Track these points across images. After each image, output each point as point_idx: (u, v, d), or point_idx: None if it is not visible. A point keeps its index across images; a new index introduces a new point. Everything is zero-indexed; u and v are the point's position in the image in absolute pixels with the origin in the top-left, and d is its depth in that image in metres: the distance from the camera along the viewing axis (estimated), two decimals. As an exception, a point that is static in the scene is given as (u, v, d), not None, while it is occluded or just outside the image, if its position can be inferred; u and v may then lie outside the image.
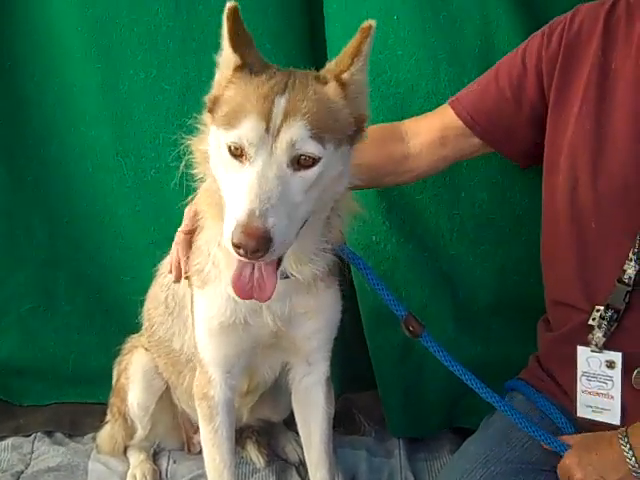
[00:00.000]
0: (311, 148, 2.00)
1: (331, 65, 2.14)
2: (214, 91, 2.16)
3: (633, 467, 2.25)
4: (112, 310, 3.43)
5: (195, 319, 2.48)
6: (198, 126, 2.24)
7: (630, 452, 2.26)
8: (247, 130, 1.98)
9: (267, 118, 1.98)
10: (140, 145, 3.18)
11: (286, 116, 1.98)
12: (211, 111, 2.14)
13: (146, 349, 2.98)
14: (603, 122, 2.36)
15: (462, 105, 2.62)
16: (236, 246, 1.91)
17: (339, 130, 2.09)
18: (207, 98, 2.17)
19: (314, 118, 2.01)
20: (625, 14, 2.38)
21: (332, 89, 2.09)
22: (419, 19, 2.84)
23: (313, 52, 3.06)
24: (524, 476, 2.43)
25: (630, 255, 2.33)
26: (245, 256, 1.92)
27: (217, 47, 2.97)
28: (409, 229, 3.05)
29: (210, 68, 3.00)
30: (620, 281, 2.35)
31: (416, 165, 2.72)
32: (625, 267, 2.34)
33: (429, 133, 2.69)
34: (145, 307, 2.91)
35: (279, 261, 2.07)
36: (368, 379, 3.33)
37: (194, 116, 2.25)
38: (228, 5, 2.03)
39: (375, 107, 2.83)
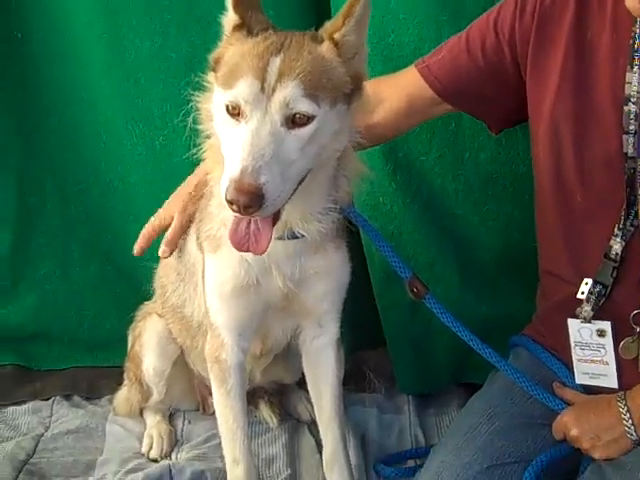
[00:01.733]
0: (305, 107, 2.02)
1: (327, 25, 2.16)
2: (217, 51, 2.20)
3: (628, 429, 2.29)
4: (125, 275, 3.48)
5: (206, 284, 2.50)
6: (204, 84, 2.27)
7: (627, 414, 2.30)
8: (243, 89, 2.01)
9: (262, 77, 2.01)
10: (148, 113, 3.20)
11: (280, 76, 2.01)
12: (214, 70, 2.18)
13: (159, 315, 3.02)
14: (583, 94, 2.36)
15: (434, 75, 2.59)
16: (229, 202, 1.95)
17: (334, 89, 2.10)
18: (211, 57, 2.22)
19: (308, 77, 2.03)
20: None
21: (326, 48, 2.11)
22: (421, -19, 2.84)
23: (318, 18, 3.08)
24: (528, 430, 2.48)
25: (616, 230, 2.34)
26: (239, 212, 1.96)
27: (221, 14, 3.01)
28: (415, 190, 3.08)
29: (215, 35, 3.04)
30: (607, 257, 2.36)
31: (380, 133, 2.70)
32: (611, 243, 2.35)
33: (395, 101, 2.67)
34: (157, 274, 2.95)
35: (276, 216, 2.09)
36: (378, 337, 3.38)
37: (200, 75, 2.28)
38: None
39: (379, 70, 2.84)
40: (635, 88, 2.25)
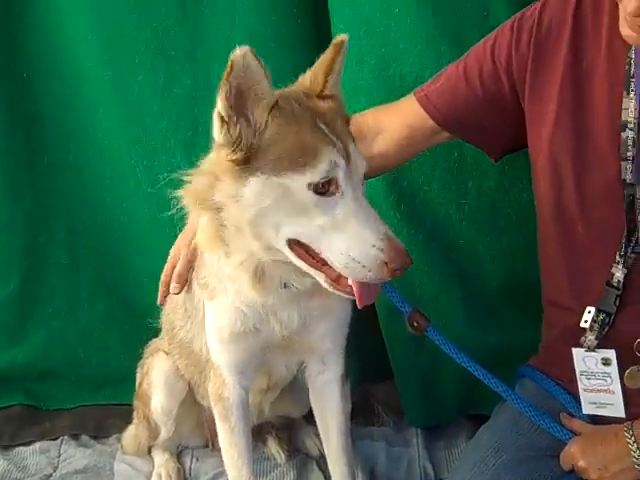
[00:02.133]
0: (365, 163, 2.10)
1: (304, 81, 2.16)
2: (245, 140, 1.99)
3: (637, 460, 2.25)
4: (133, 312, 3.47)
5: (207, 327, 2.51)
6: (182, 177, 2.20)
7: (634, 445, 2.26)
8: (334, 158, 1.98)
9: (333, 143, 2.00)
10: (152, 150, 3.21)
11: (340, 138, 2.02)
12: (247, 161, 2.00)
13: (166, 353, 2.99)
14: (581, 125, 2.34)
15: (433, 104, 2.57)
16: (396, 270, 1.96)
17: None
18: (230, 150, 2.01)
19: (350, 132, 2.10)
20: (592, 8, 2.33)
21: (327, 103, 2.12)
22: (420, 11, 2.85)
23: (318, 49, 3.09)
24: (535, 462, 2.43)
25: (617, 258, 2.31)
26: (395, 276, 1.98)
27: (225, 48, 3.01)
28: (419, 220, 3.07)
29: (219, 71, 3.05)
30: (609, 284, 2.34)
31: (381, 164, 2.67)
32: (613, 270, 2.33)
33: (396, 132, 2.65)
34: (164, 311, 2.92)
35: None
36: (386, 369, 3.34)
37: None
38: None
39: (381, 101, 2.84)
40: (632, 114, 2.23)
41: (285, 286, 2.27)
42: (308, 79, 2.16)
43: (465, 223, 3.07)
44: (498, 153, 2.70)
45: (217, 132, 2.03)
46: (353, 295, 2.07)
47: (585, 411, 2.50)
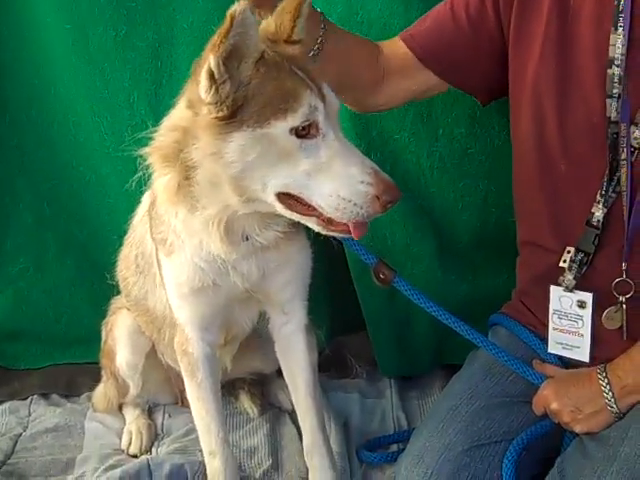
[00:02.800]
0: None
1: (269, 27, 2.12)
2: (231, 96, 1.96)
3: (609, 402, 2.26)
4: (101, 269, 3.34)
5: (165, 283, 2.48)
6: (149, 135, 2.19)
7: (607, 387, 2.27)
8: (312, 101, 1.99)
9: (310, 86, 2.00)
10: (115, 104, 3.15)
11: (315, 82, 2.02)
12: (232, 116, 1.97)
13: (128, 309, 2.98)
14: (566, 62, 2.33)
15: (418, 43, 2.55)
16: (389, 202, 1.98)
17: None
18: (215, 108, 1.97)
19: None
20: None
21: (295, 48, 2.11)
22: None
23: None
24: (509, 408, 2.47)
25: (598, 197, 2.31)
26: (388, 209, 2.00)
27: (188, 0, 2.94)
28: (389, 169, 2.95)
29: (181, 23, 2.99)
30: (589, 224, 2.33)
31: (386, 88, 2.63)
32: (593, 210, 2.32)
33: (394, 60, 2.61)
34: (118, 267, 2.91)
35: None
36: (358, 321, 3.33)
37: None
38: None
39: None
40: (619, 50, 2.22)
41: (247, 239, 2.26)
42: (273, 24, 2.12)
43: (436, 171, 3.03)
44: (485, 96, 2.68)
45: (204, 90, 1.97)
46: (349, 233, 2.08)
47: (550, 350, 2.52)
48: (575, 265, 2.38)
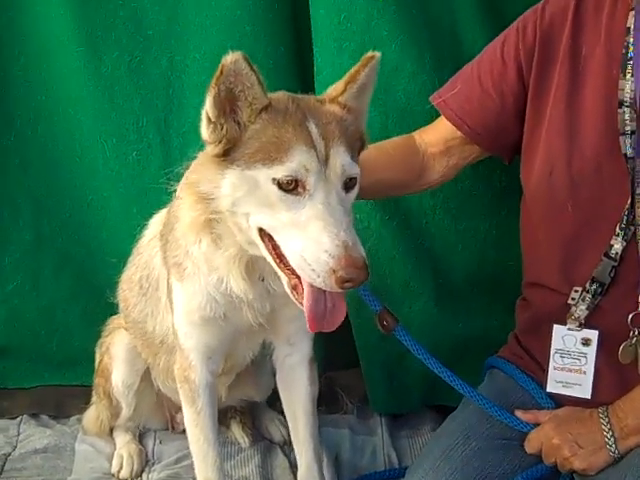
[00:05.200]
0: (355, 169, 2.06)
1: (330, 90, 2.19)
2: (229, 136, 2.03)
3: (608, 441, 2.29)
4: (97, 291, 3.38)
5: (175, 308, 2.48)
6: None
7: (608, 426, 2.30)
8: (304, 159, 1.96)
9: (313, 145, 1.98)
10: (122, 127, 3.17)
11: (326, 141, 2.00)
12: (226, 154, 2.04)
13: (126, 329, 2.97)
14: (575, 107, 2.41)
15: (458, 115, 2.62)
16: (346, 281, 1.91)
17: (355, 148, 2.13)
18: (213, 145, 2.06)
19: (345, 139, 2.05)
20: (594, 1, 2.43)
21: (336, 109, 2.12)
22: (404, 2, 2.87)
23: (295, 33, 3.07)
24: (505, 451, 2.46)
25: (617, 230, 2.35)
26: (346, 288, 1.93)
27: (202, 30, 2.98)
28: (393, 207, 3.08)
29: (194, 53, 3.02)
30: (607, 255, 2.37)
31: (431, 176, 2.74)
32: (612, 242, 2.36)
33: (437, 145, 2.70)
34: (120, 288, 2.91)
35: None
36: (350, 357, 3.35)
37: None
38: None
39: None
40: (628, 94, 2.30)
41: (263, 280, 2.29)
42: (333, 87, 2.19)
43: (439, 211, 3.08)
44: (512, 154, 2.73)
45: (204, 129, 2.06)
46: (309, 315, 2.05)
47: (549, 389, 2.54)
48: (589, 296, 2.41)
